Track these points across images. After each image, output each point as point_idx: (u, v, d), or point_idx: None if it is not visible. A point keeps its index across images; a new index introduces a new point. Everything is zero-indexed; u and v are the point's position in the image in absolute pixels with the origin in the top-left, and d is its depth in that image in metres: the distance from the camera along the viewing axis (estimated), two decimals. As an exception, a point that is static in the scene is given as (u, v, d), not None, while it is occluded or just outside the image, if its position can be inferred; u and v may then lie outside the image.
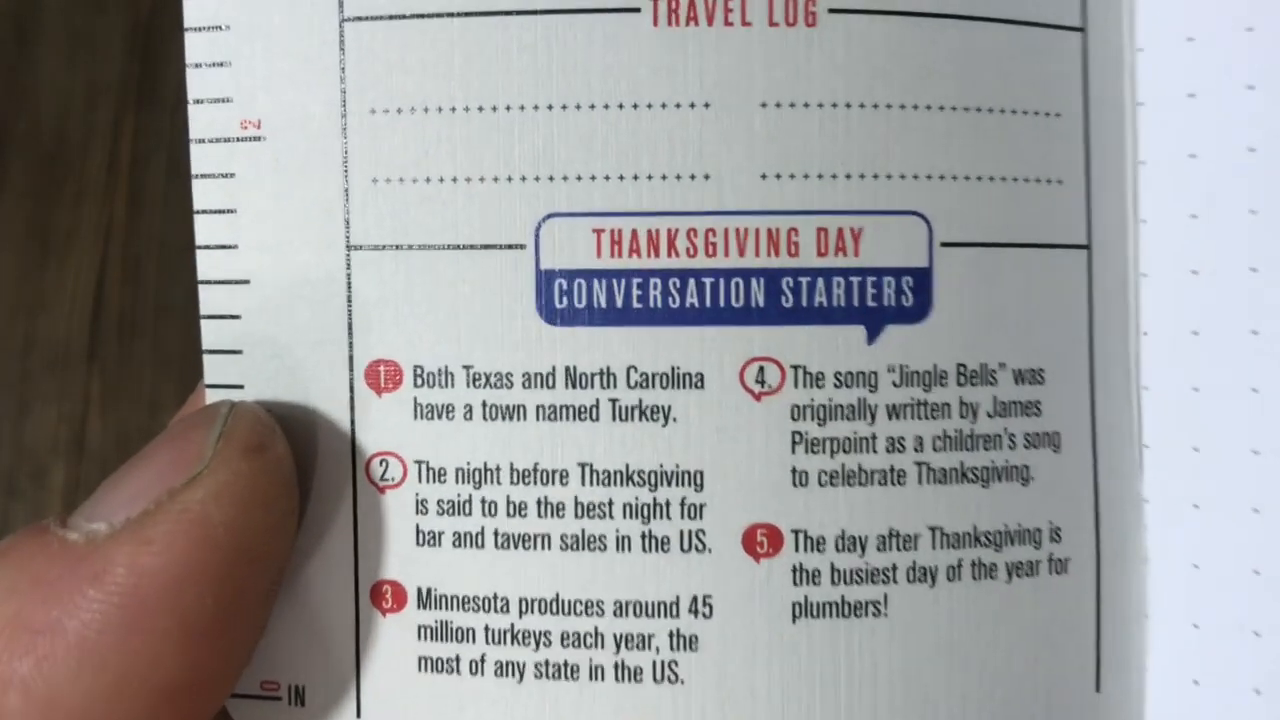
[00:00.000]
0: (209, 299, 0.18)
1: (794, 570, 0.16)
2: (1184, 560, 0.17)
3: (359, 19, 0.16)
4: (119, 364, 0.61)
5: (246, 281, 0.17)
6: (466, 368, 0.16)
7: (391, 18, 0.16)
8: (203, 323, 0.18)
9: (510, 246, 0.16)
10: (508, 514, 0.17)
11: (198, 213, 0.17)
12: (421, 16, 0.16)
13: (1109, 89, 0.17)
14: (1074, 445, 0.17)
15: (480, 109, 0.16)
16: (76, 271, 0.63)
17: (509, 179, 0.16)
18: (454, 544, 0.17)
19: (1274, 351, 0.17)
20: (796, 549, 0.15)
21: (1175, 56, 0.17)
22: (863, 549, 0.15)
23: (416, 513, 0.17)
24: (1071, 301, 0.17)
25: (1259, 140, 0.16)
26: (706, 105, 0.15)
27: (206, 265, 0.18)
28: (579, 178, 0.16)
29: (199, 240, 0.17)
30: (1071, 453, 0.17)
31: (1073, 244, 0.17)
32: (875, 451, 0.15)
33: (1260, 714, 0.17)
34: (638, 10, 0.16)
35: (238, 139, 0.17)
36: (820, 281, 0.15)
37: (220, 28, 0.17)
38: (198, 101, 0.17)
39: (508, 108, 0.16)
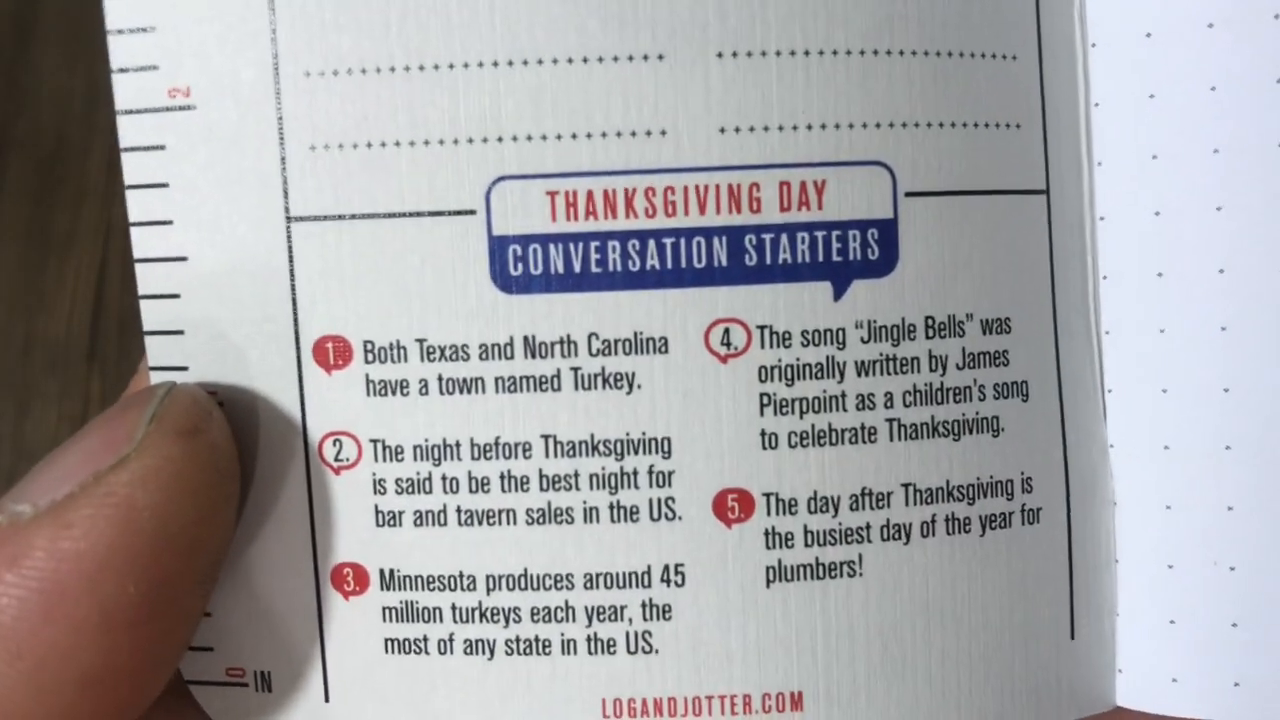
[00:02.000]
0: (146, 277, 0.17)
1: (766, 534, 0.15)
2: (1157, 502, 0.17)
3: None
4: (119, 363, 0.61)
5: (184, 259, 0.17)
6: (420, 341, 0.16)
7: None
8: (141, 303, 0.17)
9: (459, 213, 0.15)
10: (470, 490, 0.16)
11: (129, 188, 0.17)
12: None
13: (1061, 29, 0.17)
14: (1041, 393, 0.17)
15: (421, 68, 0.15)
16: (77, 271, 0.63)
17: (455, 141, 0.15)
18: (415, 523, 0.16)
19: (1241, 290, 0.16)
20: (768, 513, 0.15)
21: None
22: (835, 509, 0.15)
23: (375, 493, 0.16)
24: (1033, 248, 0.16)
25: (1219, 79, 0.16)
26: (660, 57, 0.15)
27: (142, 242, 0.17)
28: (529, 138, 0.15)
29: (132, 216, 0.17)
30: (1039, 401, 0.17)
31: (1032, 189, 0.16)
32: (845, 410, 0.15)
33: (1238, 647, 0.17)
34: None
35: (166, 109, 0.16)
36: (784, 238, 0.15)
37: None
38: (122, 70, 0.17)
39: (450, 65, 0.15)
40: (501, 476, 0.16)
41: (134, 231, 0.17)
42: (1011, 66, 0.16)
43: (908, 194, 0.15)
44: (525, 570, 0.16)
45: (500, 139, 0.15)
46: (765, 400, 0.15)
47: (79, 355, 0.62)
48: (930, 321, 0.15)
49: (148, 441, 0.14)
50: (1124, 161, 0.17)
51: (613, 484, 0.15)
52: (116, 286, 0.62)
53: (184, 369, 0.17)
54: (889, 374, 0.15)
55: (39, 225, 0.64)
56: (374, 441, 0.16)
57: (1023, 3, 0.16)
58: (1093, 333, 0.17)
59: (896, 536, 0.15)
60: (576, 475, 0.16)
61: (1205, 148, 0.16)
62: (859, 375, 0.15)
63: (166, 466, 0.14)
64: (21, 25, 0.67)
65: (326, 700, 0.17)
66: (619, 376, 0.15)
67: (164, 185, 0.17)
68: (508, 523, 0.16)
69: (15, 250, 0.63)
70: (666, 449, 0.15)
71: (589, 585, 0.16)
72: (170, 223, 0.17)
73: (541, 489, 0.16)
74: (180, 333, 0.17)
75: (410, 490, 0.16)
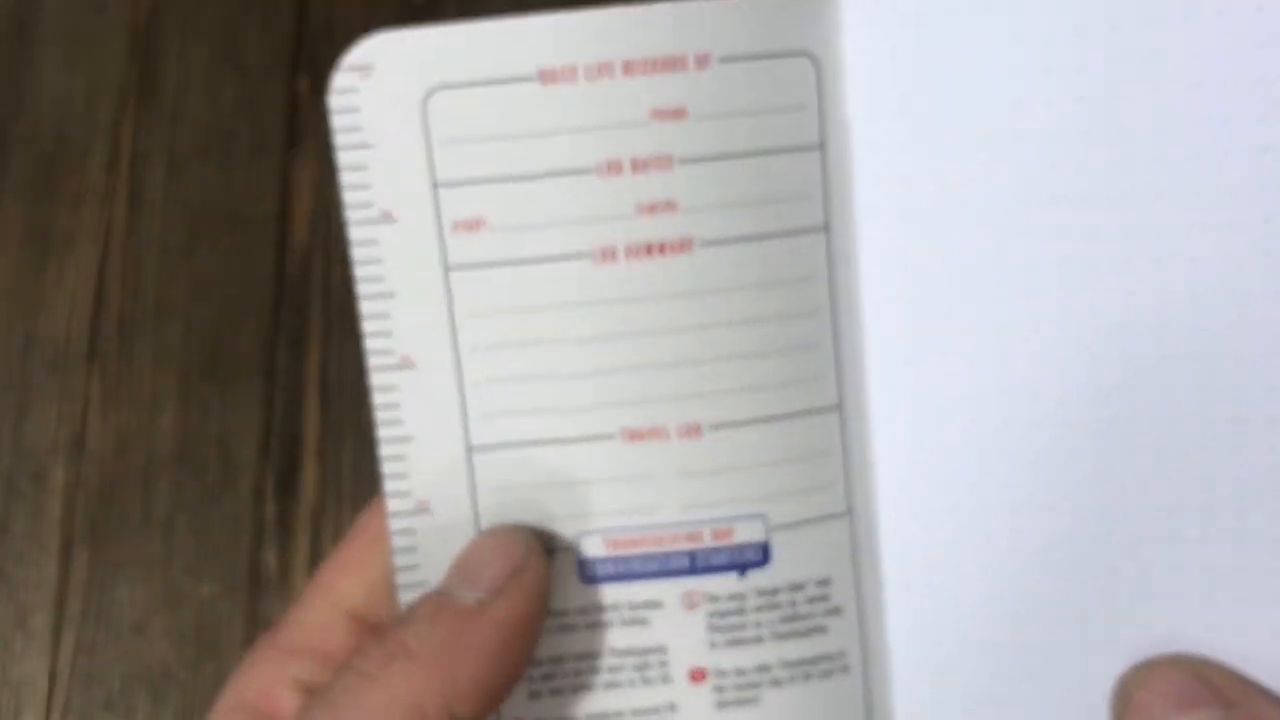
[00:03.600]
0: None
1: (716, 689, 0.25)
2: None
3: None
4: (119, 364, 0.62)
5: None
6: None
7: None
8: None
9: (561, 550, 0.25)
10: None
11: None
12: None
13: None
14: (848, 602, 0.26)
15: None
16: (76, 272, 0.63)
17: None
18: None
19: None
20: (716, 677, 0.25)
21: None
22: (744, 672, 0.25)
23: None
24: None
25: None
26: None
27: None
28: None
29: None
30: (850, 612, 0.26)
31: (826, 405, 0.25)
32: (745, 629, 0.25)
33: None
34: None
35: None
36: (714, 555, 0.24)
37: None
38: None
39: None
40: None
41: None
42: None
43: (773, 527, 0.24)
44: None
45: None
46: (710, 628, 0.25)
47: (79, 355, 0.62)
48: (788, 585, 0.25)
49: (535, 556, 0.23)
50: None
51: (641, 672, 0.25)
52: (116, 287, 0.63)
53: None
54: (768, 610, 0.25)
55: (39, 225, 0.64)
56: None
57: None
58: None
59: (775, 684, 0.25)
60: (624, 670, 0.25)
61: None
62: (754, 612, 0.25)
63: (542, 567, 0.24)
64: (22, 24, 0.67)
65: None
66: (639, 619, 0.25)
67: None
68: None
69: (15, 250, 0.63)
70: (665, 653, 0.25)
71: None
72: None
73: (602, 688, 0.25)
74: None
75: None
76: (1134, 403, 0.22)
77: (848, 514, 0.25)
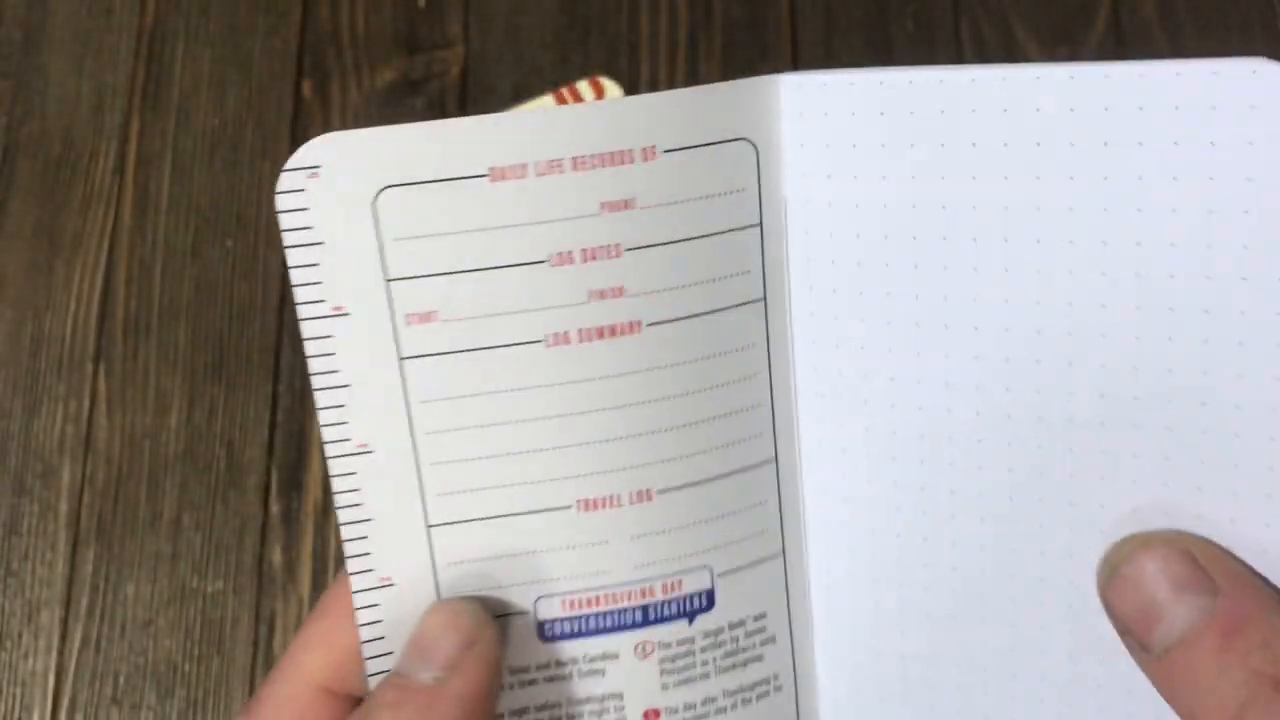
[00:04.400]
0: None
1: None
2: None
3: None
4: (126, 364, 0.62)
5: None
6: None
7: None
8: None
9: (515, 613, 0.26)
10: None
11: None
12: None
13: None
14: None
15: None
16: (84, 273, 0.63)
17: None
18: None
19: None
20: (668, 714, 0.26)
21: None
22: (697, 710, 0.26)
23: None
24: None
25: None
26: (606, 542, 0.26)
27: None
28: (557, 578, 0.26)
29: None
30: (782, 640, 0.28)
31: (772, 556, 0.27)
32: (695, 668, 0.26)
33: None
34: None
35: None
36: (665, 605, 0.25)
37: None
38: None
39: None
40: None
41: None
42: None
43: (718, 575, 0.26)
44: None
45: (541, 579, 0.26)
46: (663, 672, 0.26)
47: (86, 355, 0.62)
48: (730, 624, 0.26)
49: (486, 627, 0.24)
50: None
51: (599, 717, 0.26)
52: (122, 288, 0.63)
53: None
54: (714, 649, 0.26)
55: (47, 227, 0.64)
56: None
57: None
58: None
59: (720, 712, 0.27)
60: (584, 717, 0.26)
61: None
62: (701, 652, 0.26)
63: (493, 637, 0.24)
64: (30, 29, 0.68)
65: None
66: (595, 671, 0.26)
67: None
68: None
69: (24, 251, 0.64)
70: (621, 699, 0.26)
71: None
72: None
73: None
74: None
75: None
76: (1041, 441, 0.24)
77: (781, 554, 0.26)
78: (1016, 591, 0.25)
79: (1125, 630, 0.23)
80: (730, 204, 0.25)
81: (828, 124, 0.25)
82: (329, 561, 0.59)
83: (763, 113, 0.25)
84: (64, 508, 0.61)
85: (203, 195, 0.64)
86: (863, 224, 0.25)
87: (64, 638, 0.59)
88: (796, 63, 0.64)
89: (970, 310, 0.24)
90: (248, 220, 0.63)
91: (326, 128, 0.63)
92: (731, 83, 0.24)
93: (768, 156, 0.25)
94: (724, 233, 0.25)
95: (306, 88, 0.66)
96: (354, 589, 0.24)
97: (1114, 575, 0.23)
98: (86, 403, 0.62)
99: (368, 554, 0.24)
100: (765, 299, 0.25)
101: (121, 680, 0.58)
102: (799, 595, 0.27)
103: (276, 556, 0.59)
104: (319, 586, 0.58)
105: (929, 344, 0.24)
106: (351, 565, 0.24)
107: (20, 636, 0.59)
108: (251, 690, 0.58)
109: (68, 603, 0.59)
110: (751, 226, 0.25)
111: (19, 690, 0.59)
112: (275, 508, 0.60)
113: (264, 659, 0.58)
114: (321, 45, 0.66)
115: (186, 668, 0.58)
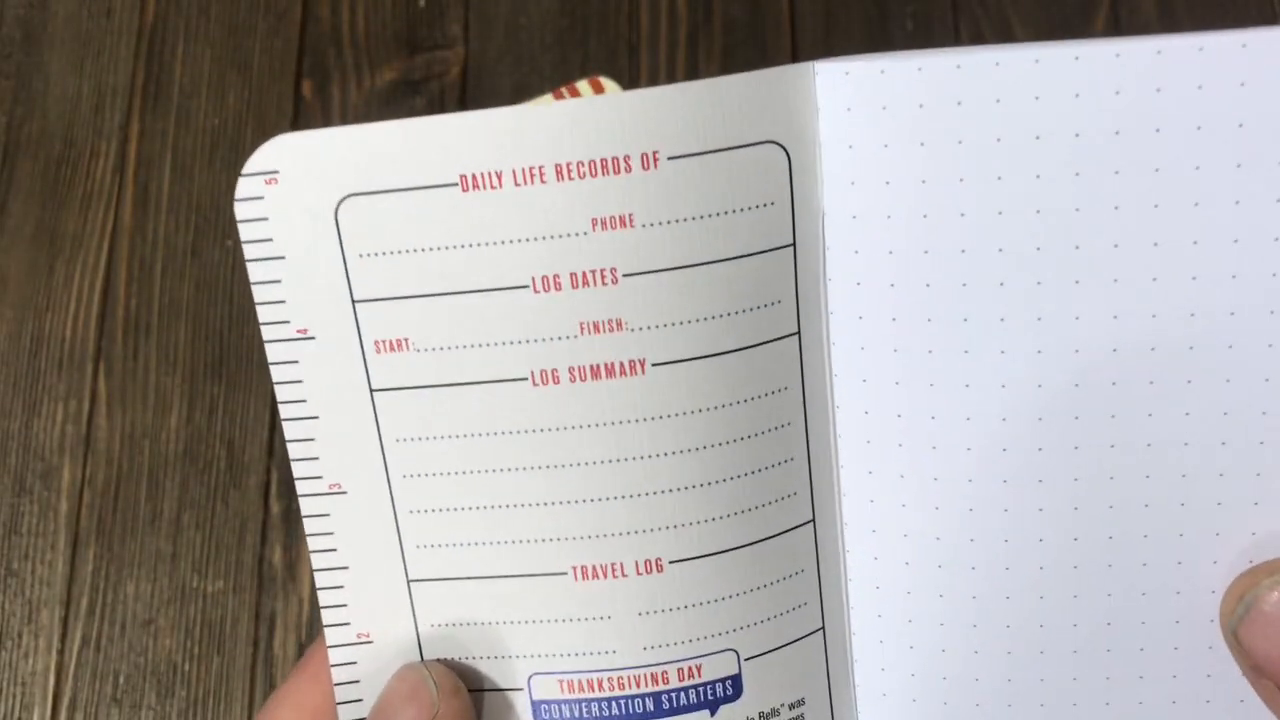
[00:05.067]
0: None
1: None
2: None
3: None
4: (126, 364, 0.62)
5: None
6: None
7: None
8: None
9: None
10: None
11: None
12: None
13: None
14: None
15: None
16: (84, 272, 0.63)
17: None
18: None
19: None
20: None
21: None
22: None
23: None
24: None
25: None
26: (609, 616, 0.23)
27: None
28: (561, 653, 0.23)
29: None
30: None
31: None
32: None
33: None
34: None
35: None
36: (681, 694, 0.22)
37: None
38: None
39: None
40: None
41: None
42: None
43: (745, 659, 0.22)
44: None
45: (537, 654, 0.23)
46: None
47: (85, 356, 0.62)
48: (761, 714, 0.23)
49: (454, 697, 0.22)
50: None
51: None
52: (123, 287, 0.63)
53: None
54: None
55: (47, 227, 0.64)
56: None
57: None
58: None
59: None
60: None
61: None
62: None
63: (458, 706, 0.22)
64: (31, 29, 0.68)
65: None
66: None
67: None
68: None
69: (24, 251, 0.64)
70: None
71: None
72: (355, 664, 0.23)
73: None
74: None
75: None
76: (1091, 515, 0.21)
77: (821, 630, 0.23)
78: (1091, 652, 0.22)
79: (1262, 671, 0.20)
80: (756, 221, 0.21)
81: (887, 119, 0.20)
82: (329, 561, 0.59)
83: (795, 109, 0.21)
84: (64, 508, 0.61)
85: (203, 195, 0.64)
86: (934, 237, 0.20)
87: (64, 637, 0.59)
88: (796, 62, 0.64)
89: (1052, 360, 0.20)
90: (248, 220, 0.63)
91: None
92: (754, 73, 0.20)
93: (801, 162, 0.21)
94: (747, 256, 0.21)
95: (306, 88, 0.66)
96: (329, 643, 0.22)
97: (1252, 611, 0.20)
98: (86, 403, 0.62)
99: (344, 605, 0.22)
100: (800, 333, 0.21)
101: (121, 680, 0.58)
102: (841, 676, 0.23)
103: (276, 556, 0.59)
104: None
105: (1006, 373, 0.20)
106: (327, 617, 0.22)
107: (20, 636, 0.59)
108: (251, 690, 0.58)
109: (68, 602, 0.59)
110: (783, 248, 0.21)
111: (19, 690, 0.59)
112: (275, 507, 0.60)
113: (264, 658, 0.58)
114: (321, 45, 0.66)
115: (186, 667, 0.58)
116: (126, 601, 0.59)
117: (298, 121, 0.65)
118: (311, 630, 0.58)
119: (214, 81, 0.66)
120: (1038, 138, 0.19)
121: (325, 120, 0.65)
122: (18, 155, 0.65)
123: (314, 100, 0.65)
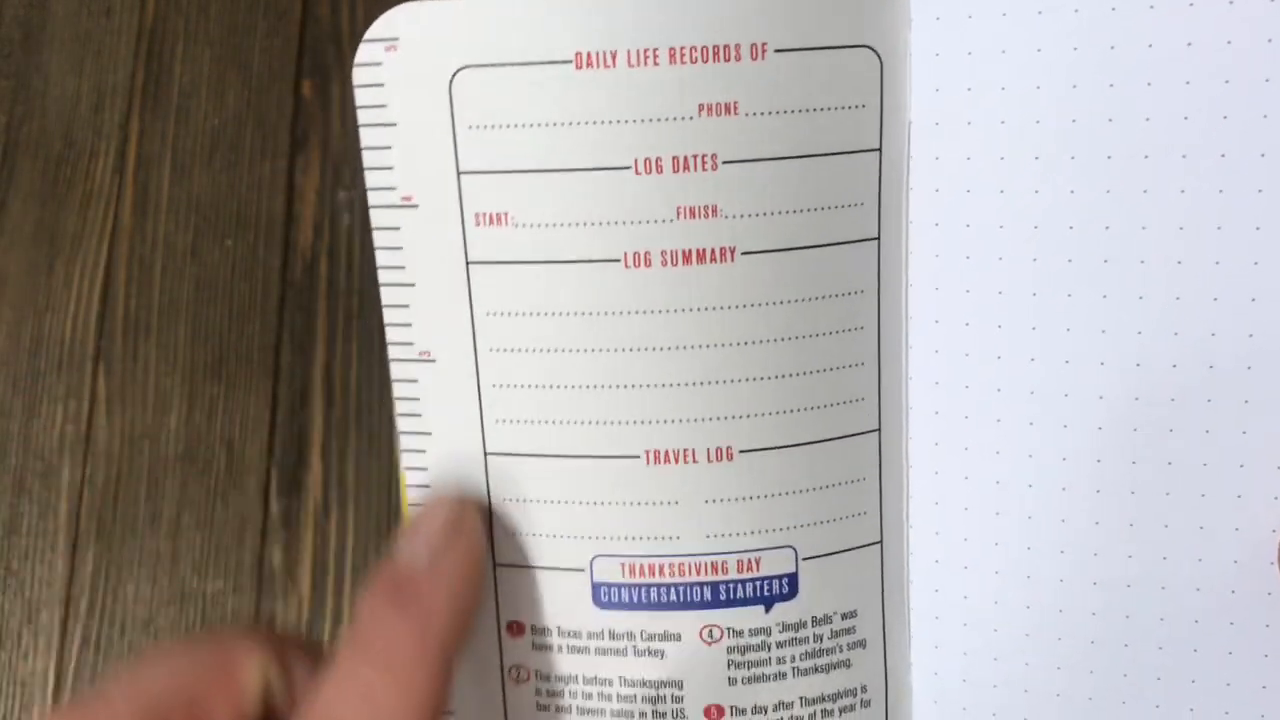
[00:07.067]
0: None
1: None
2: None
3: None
4: (125, 364, 0.62)
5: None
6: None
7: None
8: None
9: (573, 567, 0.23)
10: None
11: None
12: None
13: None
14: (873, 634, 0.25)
15: None
16: (84, 273, 0.63)
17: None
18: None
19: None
20: (732, 714, 0.23)
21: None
22: (766, 713, 0.23)
23: None
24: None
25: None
26: (677, 502, 0.23)
27: None
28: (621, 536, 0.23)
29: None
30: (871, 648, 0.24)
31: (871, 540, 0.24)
32: (769, 665, 0.23)
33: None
34: None
35: None
36: (738, 587, 0.23)
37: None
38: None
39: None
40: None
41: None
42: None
43: (804, 559, 0.23)
44: None
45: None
46: (730, 664, 0.23)
47: (85, 356, 0.62)
48: (814, 618, 0.23)
49: (469, 517, 0.22)
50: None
51: (654, 705, 0.23)
52: (123, 288, 0.63)
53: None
54: (792, 645, 0.23)
55: (47, 226, 0.64)
56: None
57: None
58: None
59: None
60: (636, 698, 0.24)
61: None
62: (778, 648, 0.23)
63: (479, 532, 0.22)
64: (30, 29, 0.68)
65: None
66: (655, 650, 0.23)
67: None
68: None
69: (23, 251, 0.64)
70: (680, 688, 0.23)
71: None
72: None
73: (611, 716, 0.23)
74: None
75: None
76: (1176, 432, 0.21)
77: (879, 543, 0.23)
78: (1144, 616, 0.22)
79: None
80: (846, 121, 0.21)
81: (972, 27, 0.20)
82: (329, 562, 0.59)
83: (890, 16, 0.21)
84: (64, 508, 0.61)
85: (203, 195, 0.64)
86: (1010, 144, 0.20)
87: (64, 638, 0.59)
88: None
89: (1135, 279, 0.20)
90: (248, 220, 0.63)
91: (326, 128, 0.63)
92: None
93: (893, 68, 0.21)
94: (837, 154, 0.21)
95: (306, 88, 0.66)
96: (409, 501, 0.23)
97: None
98: (86, 403, 0.62)
99: (425, 469, 0.23)
100: (880, 238, 0.22)
101: (121, 680, 0.58)
102: (895, 595, 0.23)
103: (276, 556, 0.59)
104: (319, 587, 0.58)
105: (1072, 311, 0.20)
106: (410, 478, 0.23)
107: (20, 636, 0.59)
108: (251, 690, 0.58)
109: (68, 603, 0.59)
110: (870, 151, 0.21)
111: (19, 690, 0.59)
112: (275, 508, 0.60)
113: (264, 659, 0.58)
114: (321, 45, 0.66)
115: (186, 668, 0.58)
116: (126, 602, 0.59)
117: (298, 121, 0.65)
118: (311, 630, 0.58)
119: (214, 81, 0.66)
120: (1112, 47, 0.19)
121: (325, 119, 0.65)
122: (17, 155, 0.65)
123: (314, 100, 0.65)
